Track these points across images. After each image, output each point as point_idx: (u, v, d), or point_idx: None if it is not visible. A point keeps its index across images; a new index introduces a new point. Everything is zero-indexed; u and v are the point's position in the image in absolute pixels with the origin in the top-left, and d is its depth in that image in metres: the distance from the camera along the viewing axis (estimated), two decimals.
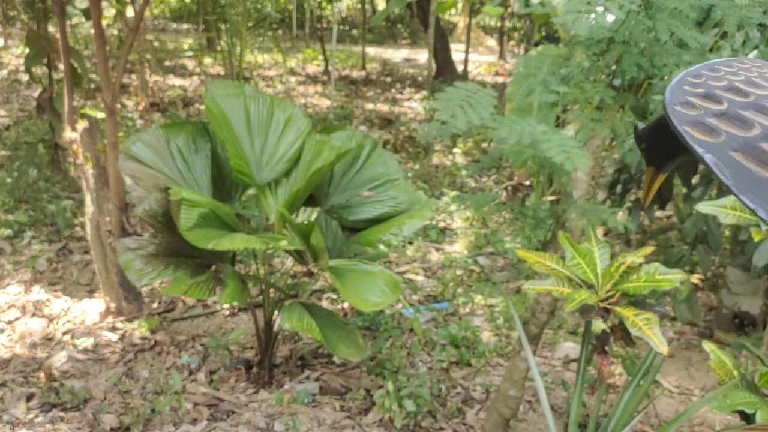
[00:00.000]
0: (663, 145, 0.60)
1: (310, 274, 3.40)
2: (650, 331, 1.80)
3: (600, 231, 4.04)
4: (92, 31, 3.39)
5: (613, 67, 1.89)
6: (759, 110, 0.48)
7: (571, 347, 3.22)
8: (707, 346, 2.10)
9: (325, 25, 12.95)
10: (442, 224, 4.76)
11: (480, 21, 14.17)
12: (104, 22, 5.86)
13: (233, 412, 2.67)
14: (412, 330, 3.26)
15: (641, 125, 0.62)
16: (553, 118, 1.99)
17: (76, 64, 4.43)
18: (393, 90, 9.38)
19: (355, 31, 14.28)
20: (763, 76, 0.55)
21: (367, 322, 3.27)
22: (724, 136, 0.44)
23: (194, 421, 2.60)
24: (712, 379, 3.01)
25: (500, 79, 9.77)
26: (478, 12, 12.05)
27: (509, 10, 9.16)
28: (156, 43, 9.39)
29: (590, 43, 1.83)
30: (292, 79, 9.49)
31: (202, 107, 7.28)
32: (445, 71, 9.40)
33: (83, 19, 5.73)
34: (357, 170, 2.89)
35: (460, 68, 9.80)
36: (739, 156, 0.42)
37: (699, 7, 1.77)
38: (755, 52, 2.24)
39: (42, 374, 2.83)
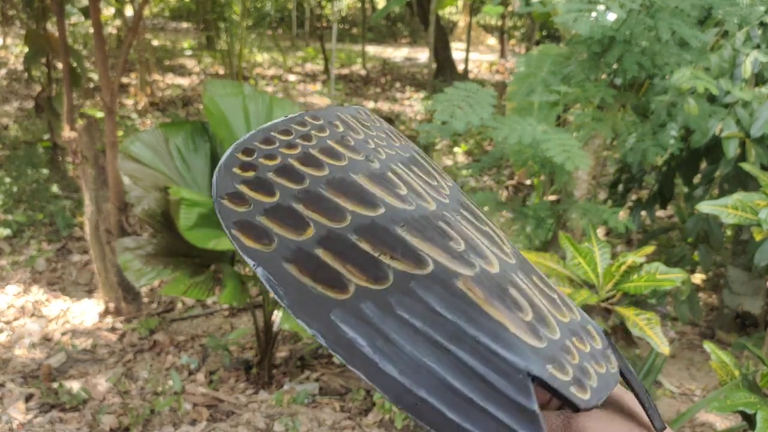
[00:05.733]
0: None
1: None
2: (651, 331, 1.79)
3: (601, 231, 4.03)
4: (91, 30, 3.39)
5: (614, 66, 1.88)
6: (318, 198, 0.37)
7: None
8: (708, 346, 2.09)
9: (324, 24, 12.93)
10: None
11: (480, 20, 14.14)
12: (103, 21, 5.85)
13: (233, 413, 2.66)
14: None
15: None
16: (553, 118, 1.98)
17: (75, 64, 4.42)
18: (393, 89, 9.37)
19: (355, 30, 14.26)
20: (351, 131, 0.42)
21: None
22: (276, 242, 0.35)
23: (194, 422, 2.59)
24: (713, 380, 3.00)
25: (501, 78, 9.76)
26: (478, 11, 12.02)
27: (510, 8, 9.14)
28: (155, 42, 9.38)
29: (591, 42, 1.82)
30: (292, 78, 9.48)
31: (202, 106, 7.27)
32: (445, 70, 9.38)
33: (82, 18, 5.72)
34: None
35: (460, 67, 9.78)
36: (293, 268, 0.34)
37: (700, 6, 1.76)
38: (756, 51, 2.23)
39: (41, 375, 2.82)
